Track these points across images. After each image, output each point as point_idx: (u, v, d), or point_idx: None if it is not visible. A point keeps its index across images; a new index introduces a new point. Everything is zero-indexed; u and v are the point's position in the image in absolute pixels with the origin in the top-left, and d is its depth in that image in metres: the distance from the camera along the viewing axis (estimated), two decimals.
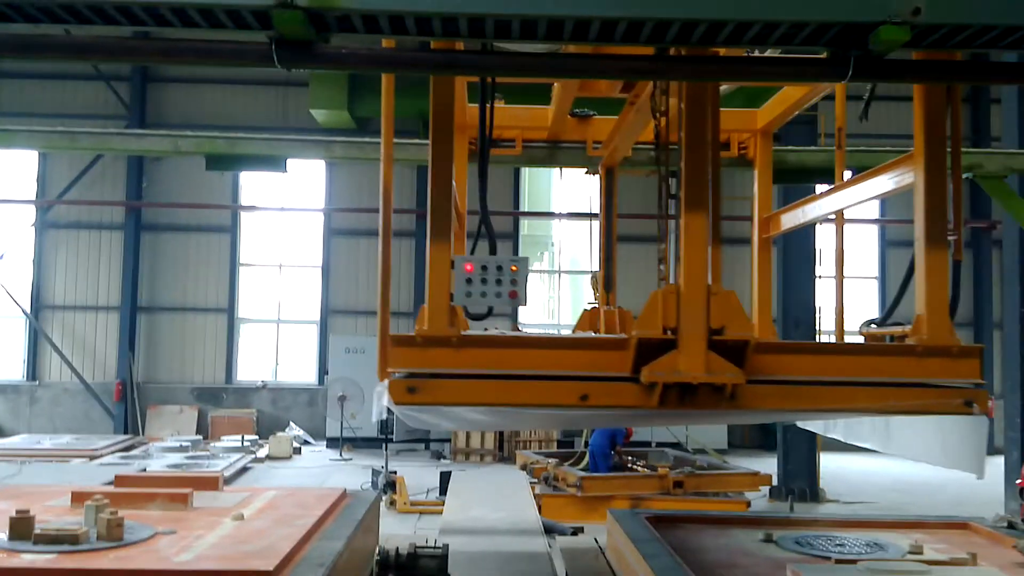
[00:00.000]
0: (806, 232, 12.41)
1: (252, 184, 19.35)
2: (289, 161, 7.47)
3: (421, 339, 3.63)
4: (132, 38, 3.31)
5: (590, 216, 19.51)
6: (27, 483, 9.82)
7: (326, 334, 18.89)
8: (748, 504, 10.69)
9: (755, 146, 6.39)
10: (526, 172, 20.04)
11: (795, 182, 7.81)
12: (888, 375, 3.61)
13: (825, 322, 12.64)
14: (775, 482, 12.05)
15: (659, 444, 14.99)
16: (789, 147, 7.75)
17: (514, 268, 3.63)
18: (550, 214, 20.56)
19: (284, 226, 19.58)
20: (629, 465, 11.71)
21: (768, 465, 13.18)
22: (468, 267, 3.65)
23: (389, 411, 3.81)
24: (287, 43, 2.81)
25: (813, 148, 7.85)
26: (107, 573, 3.34)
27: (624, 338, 3.62)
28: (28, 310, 18.55)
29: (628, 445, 12.47)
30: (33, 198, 18.92)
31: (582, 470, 11.16)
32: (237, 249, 19.44)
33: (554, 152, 7.28)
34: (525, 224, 20.09)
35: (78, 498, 4.54)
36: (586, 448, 12.00)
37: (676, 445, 14.36)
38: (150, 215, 18.78)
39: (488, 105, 4.38)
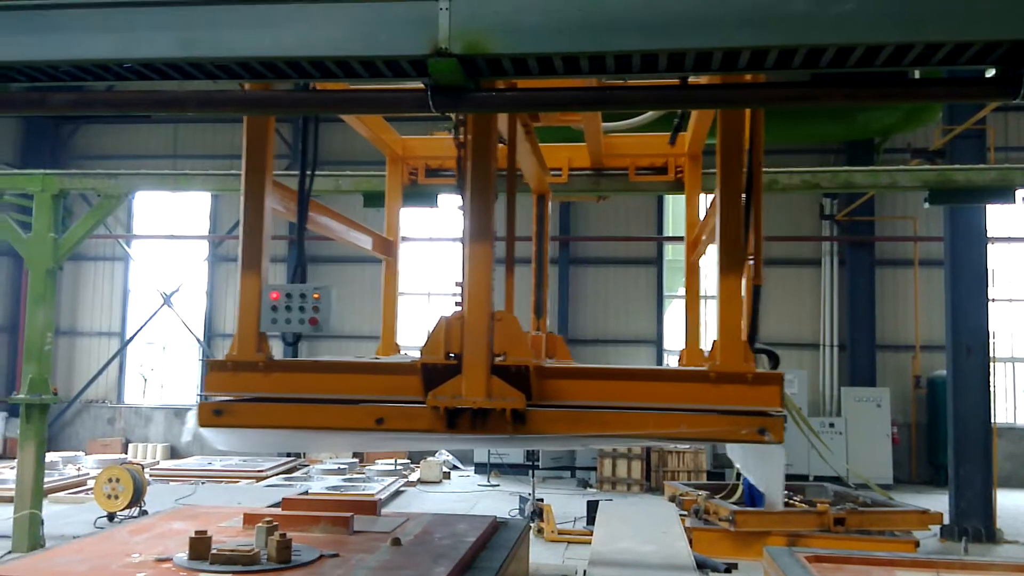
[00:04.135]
0: (977, 251, 11.60)
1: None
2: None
3: (231, 363, 3.82)
4: (300, 91, 3.56)
5: None
6: (201, 503, 10.51)
7: None
8: (917, 544, 10.01)
9: (684, 169, 6.39)
10: (669, 198, 19.80)
11: (964, 203, 7.33)
12: (681, 401, 3.53)
13: (1001, 348, 11.74)
14: (946, 520, 11.24)
15: (817, 478, 14.32)
16: (956, 166, 7.27)
17: (316, 296, 3.77)
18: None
19: (433, 255, 20.16)
20: (786, 500, 11.23)
21: (938, 502, 12.32)
22: (273, 295, 3.80)
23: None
24: (442, 89, 2.92)
25: (983, 167, 7.34)
26: None
27: (413, 363, 3.67)
28: (201, 337, 19.92)
29: (784, 479, 11.98)
30: (206, 233, 20.37)
31: (735, 503, 10.80)
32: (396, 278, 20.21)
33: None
34: (669, 249, 19.84)
35: (250, 520, 4.83)
36: (738, 480, 11.61)
37: (836, 479, 13.66)
38: (311, 247, 19.84)
39: (311, 133, 4.36)
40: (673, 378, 3.67)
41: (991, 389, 11.76)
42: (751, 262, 3.92)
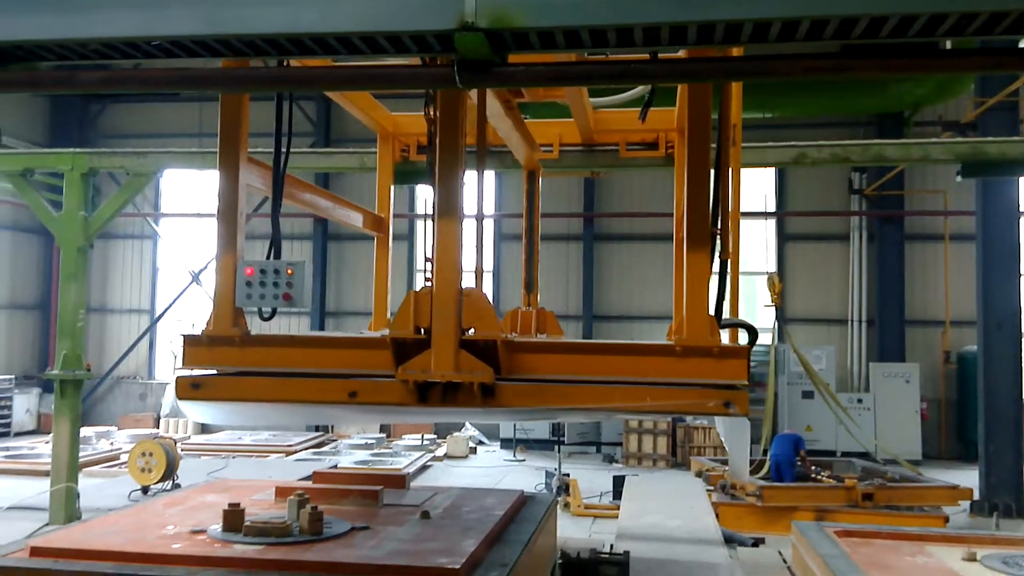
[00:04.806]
0: (1009, 226, 11.41)
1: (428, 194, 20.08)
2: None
3: (207, 338, 3.89)
4: (320, 67, 3.56)
5: (764, 215, 18.95)
6: (233, 477, 10.67)
7: None
8: (946, 520, 9.97)
9: (676, 145, 6.30)
10: None
11: (997, 175, 7.20)
12: (647, 375, 3.55)
13: None
14: (976, 496, 11.16)
15: (845, 454, 14.26)
16: (990, 138, 7.13)
17: (290, 271, 3.80)
18: None
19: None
20: (813, 475, 11.21)
21: (968, 478, 12.22)
22: (248, 271, 3.84)
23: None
24: (468, 64, 2.91)
25: (1017, 139, 7.17)
26: (311, 565, 3.58)
27: (383, 338, 3.70)
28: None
29: (811, 454, 11.95)
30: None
31: (761, 479, 10.79)
32: (414, 256, 20.27)
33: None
34: None
35: (281, 493, 4.90)
36: (765, 456, 11.60)
37: (865, 455, 13.60)
38: (334, 226, 19.92)
39: (286, 109, 4.33)
40: (640, 352, 3.70)
41: (1022, 364, 11.62)
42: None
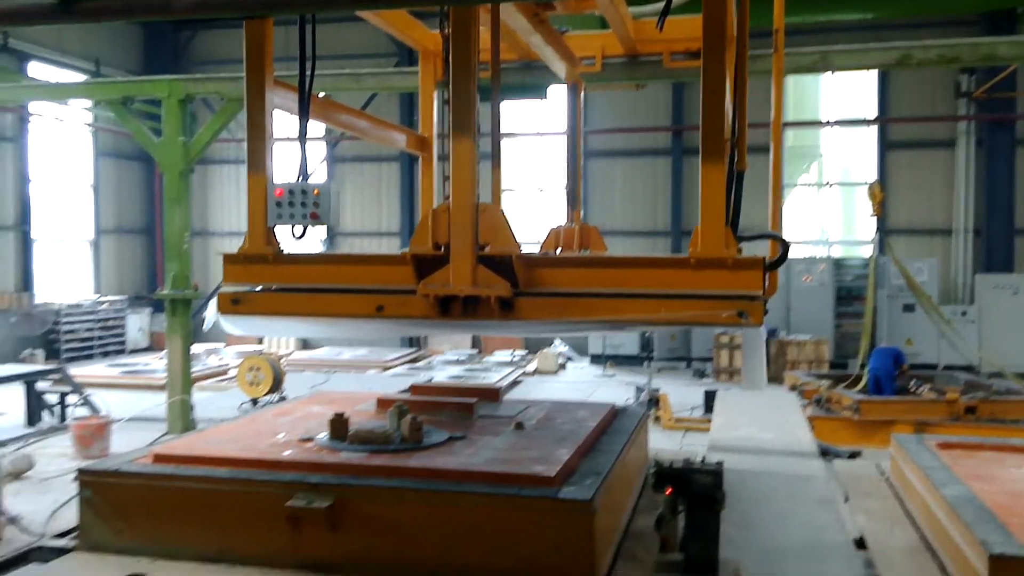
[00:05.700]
0: None
1: (512, 113, 19.90)
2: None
3: (243, 256, 4.04)
4: None
5: (865, 122, 18.11)
6: (334, 390, 11.12)
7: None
8: None
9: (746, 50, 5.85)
10: (790, 80, 18.82)
11: None
12: (663, 287, 3.57)
13: None
14: None
15: (947, 367, 13.86)
16: None
17: (316, 192, 3.91)
18: (818, 122, 19.25)
19: (539, 151, 19.98)
20: (912, 389, 10.96)
21: None
22: (278, 192, 3.95)
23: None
24: None
25: None
26: (413, 471, 3.74)
27: (404, 254, 3.79)
28: (324, 235, 20.64)
29: (912, 368, 11.67)
30: (323, 134, 20.84)
31: (859, 392, 10.62)
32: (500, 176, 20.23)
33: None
34: (790, 135, 19.00)
35: (382, 404, 5.09)
36: (862, 370, 11.37)
37: (968, 368, 13.19)
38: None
39: (310, 31, 4.19)
40: (655, 265, 3.73)
41: None
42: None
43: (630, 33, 6.20)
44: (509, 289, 3.65)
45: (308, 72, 4.21)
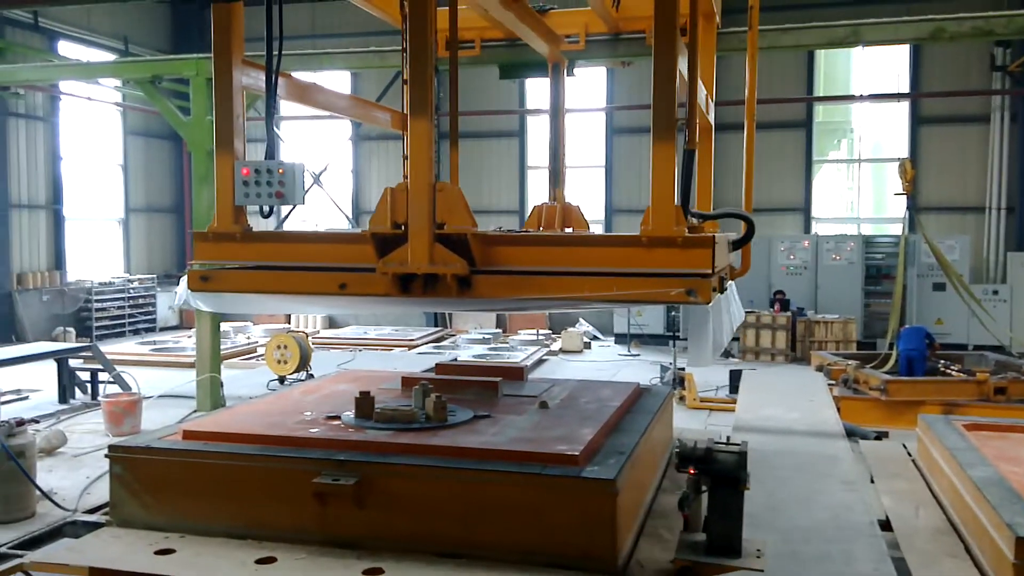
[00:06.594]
0: None
1: (536, 89, 19.80)
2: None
3: (212, 235, 4.12)
4: None
5: (897, 96, 17.78)
6: (360, 368, 11.22)
7: (610, 231, 19.17)
8: None
9: (700, 29, 5.81)
10: (820, 54, 18.50)
11: None
12: (615, 265, 3.62)
13: None
14: None
15: (977, 347, 13.68)
16: None
17: (281, 171, 3.99)
18: (849, 97, 18.95)
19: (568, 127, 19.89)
20: (942, 369, 10.83)
21: None
22: (244, 171, 4.02)
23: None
24: None
25: None
26: (438, 449, 3.77)
27: (364, 233, 3.85)
28: (349, 214, 20.74)
29: (942, 348, 11.53)
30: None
31: (888, 372, 10.51)
32: (525, 153, 20.15)
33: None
34: (820, 110, 18.72)
35: (407, 383, 5.14)
36: (891, 350, 11.26)
37: (999, 349, 13.00)
38: (442, 124, 20.02)
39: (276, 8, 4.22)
40: (607, 243, 3.78)
41: None
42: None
43: (609, 10, 6.16)
44: (466, 267, 3.70)
45: (276, 52, 4.24)
